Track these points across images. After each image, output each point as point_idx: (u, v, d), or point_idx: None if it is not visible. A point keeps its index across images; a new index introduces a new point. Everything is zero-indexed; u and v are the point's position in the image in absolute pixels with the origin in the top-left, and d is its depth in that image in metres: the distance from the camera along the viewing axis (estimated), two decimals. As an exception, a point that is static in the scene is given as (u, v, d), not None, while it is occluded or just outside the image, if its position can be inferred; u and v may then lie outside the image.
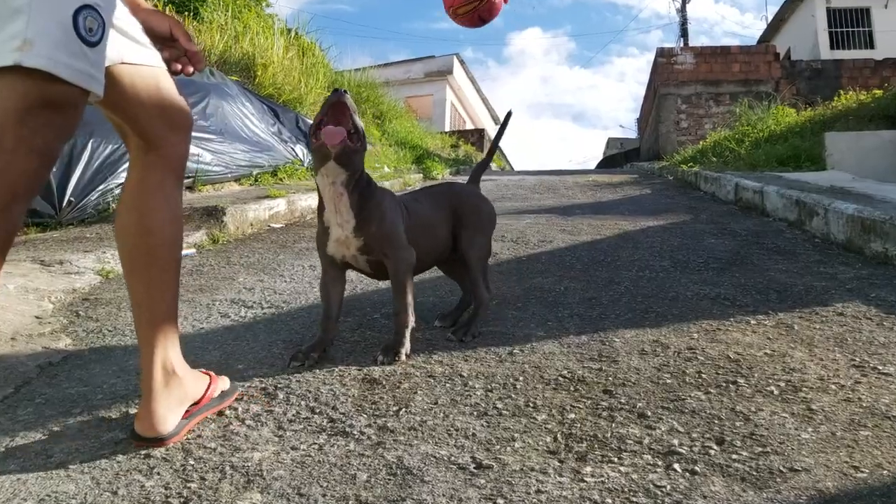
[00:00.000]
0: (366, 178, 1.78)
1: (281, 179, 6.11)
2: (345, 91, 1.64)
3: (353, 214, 1.73)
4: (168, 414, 1.36)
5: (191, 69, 1.40)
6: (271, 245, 3.81)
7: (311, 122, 7.91)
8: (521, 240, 3.93)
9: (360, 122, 1.73)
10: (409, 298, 1.81)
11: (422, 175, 9.55)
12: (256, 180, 5.78)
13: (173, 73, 1.35)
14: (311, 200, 5.17)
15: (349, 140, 1.65)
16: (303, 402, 1.56)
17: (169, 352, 1.37)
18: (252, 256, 3.48)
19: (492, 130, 29.81)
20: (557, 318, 2.25)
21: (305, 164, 6.88)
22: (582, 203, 6.09)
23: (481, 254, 2.08)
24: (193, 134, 5.25)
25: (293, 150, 6.80)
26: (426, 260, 1.97)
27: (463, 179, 11.04)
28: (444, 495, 1.16)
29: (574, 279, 2.88)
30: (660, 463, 1.26)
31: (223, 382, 1.57)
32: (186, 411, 1.41)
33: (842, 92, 10.45)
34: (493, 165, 18.69)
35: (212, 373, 1.56)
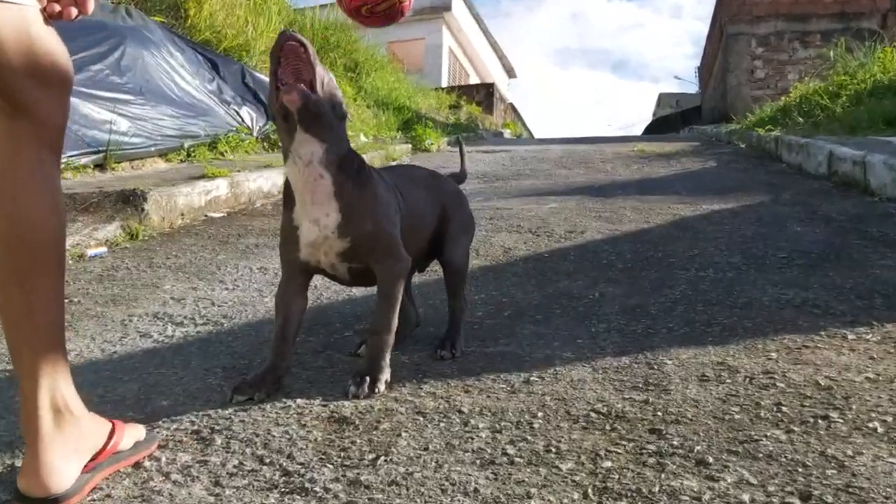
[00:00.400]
0: (357, 161, 1.81)
1: (222, 153, 6.12)
2: (291, 32, 1.65)
3: (338, 208, 1.75)
4: (62, 466, 1.34)
5: (74, 12, 1.32)
6: (208, 241, 3.81)
7: (261, 76, 7.97)
8: (543, 230, 3.93)
9: (327, 72, 1.73)
10: (395, 315, 1.84)
11: (410, 146, 9.57)
12: (189, 155, 5.79)
13: (50, 16, 1.32)
14: (262, 181, 5.18)
15: (312, 91, 1.67)
16: (248, 450, 1.56)
17: (59, 384, 1.36)
18: (182, 256, 3.48)
19: (504, 86, 29.86)
20: (590, 335, 2.26)
21: (255, 133, 6.89)
22: (624, 181, 6.09)
23: (467, 262, 2.25)
24: (105, 94, 5.34)
25: (238, 114, 6.82)
26: (414, 251, 2.02)
27: (466, 149, 10.98)
28: (435, 572, 1.16)
29: (613, 282, 2.88)
30: (725, 526, 1.25)
31: (135, 431, 1.54)
32: (87, 463, 1.41)
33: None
34: (507, 132, 18.75)
35: (116, 420, 1.53)
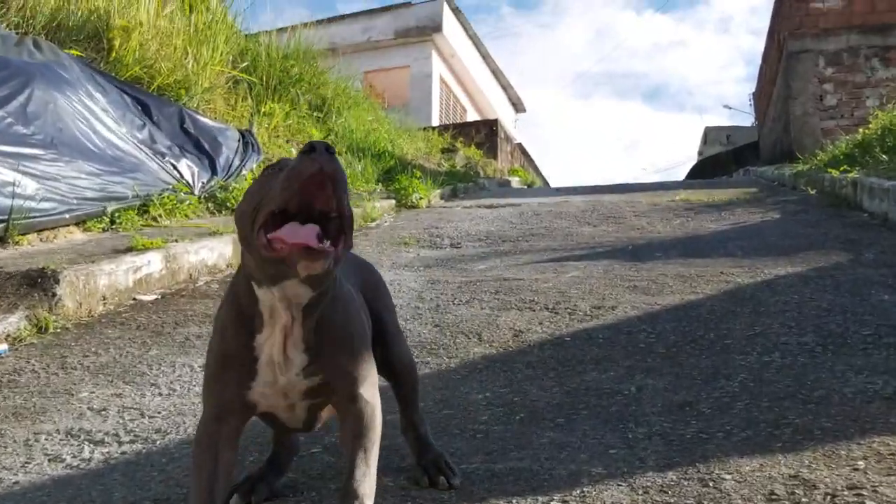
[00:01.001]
0: (340, 285, 1.74)
1: (155, 219, 6.17)
2: (331, 148, 1.50)
3: (304, 348, 1.68)
4: None
5: None
6: (137, 332, 3.81)
7: (205, 120, 8.08)
8: (563, 306, 3.95)
9: (351, 210, 1.59)
10: (374, 472, 1.73)
11: (394, 201, 9.65)
12: (114, 222, 5.83)
13: None
14: (205, 253, 5.21)
15: (337, 251, 1.54)
16: None
17: None
18: (104, 354, 3.47)
19: (510, 122, 30.23)
20: (626, 442, 2.25)
21: (197, 192, 6.96)
22: (664, 239, 6.13)
23: (410, 354, 2.24)
24: (6, 148, 5.41)
25: (175, 168, 6.90)
26: None
27: (464, 203, 11.21)
28: None
29: (653, 372, 2.88)
30: None
31: None
32: None
33: None
34: (515, 180, 18.93)
35: None
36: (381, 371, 2.14)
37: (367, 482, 1.69)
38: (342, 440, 1.75)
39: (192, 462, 1.73)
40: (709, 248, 5.55)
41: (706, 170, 22.13)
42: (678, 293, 4.11)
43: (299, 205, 1.49)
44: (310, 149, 1.47)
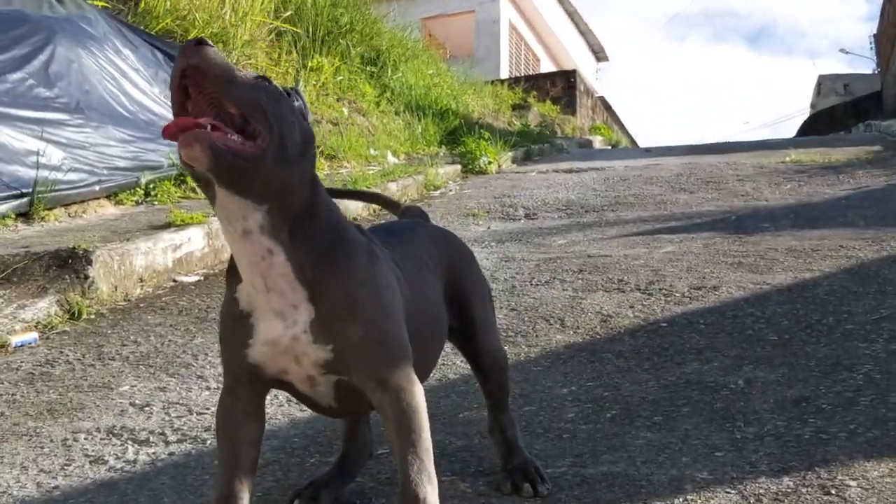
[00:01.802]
0: (329, 219, 1.71)
1: (194, 189, 6.25)
2: (203, 41, 1.56)
3: (306, 296, 1.67)
4: None
5: None
6: (180, 318, 3.89)
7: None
8: (657, 286, 3.94)
9: (265, 81, 1.64)
10: (432, 468, 1.70)
11: (459, 166, 9.66)
12: (149, 194, 5.94)
13: None
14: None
15: (227, 136, 1.54)
16: None
17: None
18: (145, 342, 3.56)
19: (591, 73, 29.97)
20: (734, 443, 2.25)
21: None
22: (773, 208, 6.06)
23: (502, 350, 2.28)
24: (28, 113, 5.55)
25: (214, 131, 6.98)
26: (424, 373, 1.97)
27: (539, 167, 11.12)
28: None
29: (763, 362, 2.87)
30: None
31: None
32: None
33: None
34: (598, 139, 18.81)
35: None
36: (469, 363, 2.20)
37: (425, 481, 1.67)
38: (386, 437, 1.75)
39: (216, 436, 1.82)
40: (825, 218, 5.48)
41: (820, 125, 21.76)
42: (790, 271, 4.07)
43: (203, 102, 1.56)
44: (185, 45, 1.55)
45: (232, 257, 1.72)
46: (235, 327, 1.72)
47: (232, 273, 1.73)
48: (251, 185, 1.58)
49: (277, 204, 1.62)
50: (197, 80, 1.54)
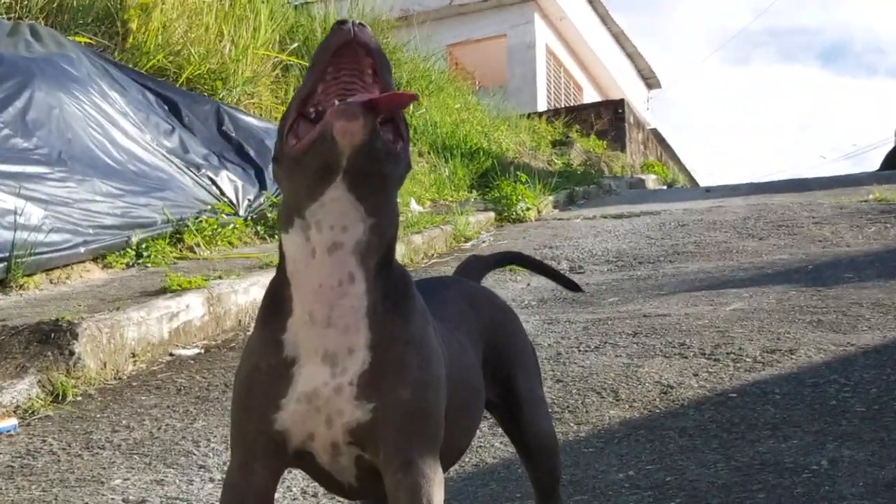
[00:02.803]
0: (400, 269, 1.73)
1: (192, 249, 6.32)
2: (359, 24, 1.57)
3: (368, 341, 1.65)
4: None
5: None
6: (178, 398, 3.91)
7: (249, 119, 8.15)
8: (725, 350, 3.93)
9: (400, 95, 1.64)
10: None
11: (493, 213, 9.68)
12: (140, 255, 5.98)
13: None
14: (256, 291, 5.30)
15: (387, 130, 1.58)
16: None
17: None
18: (138, 428, 3.57)
19: (642, 103, 29.98)
20: (818, 536, 2.23)
21: (242, 212, 7.08)
22: (855, 254, 6.04)
23: (552, 425, 2.24)
24: (3, 168, 5.57)
25: (214, 182, 7.03)
26: (451, 455, 1.97)
27: (584, 212, 11.08)
28: None
29: (850, 439, 2.85)
30: None
31: None
32: None
33: None
34: (651, 178, 18.81)
35: None
36: (513, 445, 2.18)
37: None
38: None
39: None
40: (917, 266, 5.46)
41: (909, 155, 21.63)
42: (878, 329, 4.05)
43: (334, 89, 1.56)
44: (337, 25, 1.54)
45: (271, 295, 1.68)
46: (268, 381, 1.66)
47: (273, 313, 1.67)
48: (377, 188, 1.58)
49: (382, 223, 1.61)
50: (348, 61, 1.56)
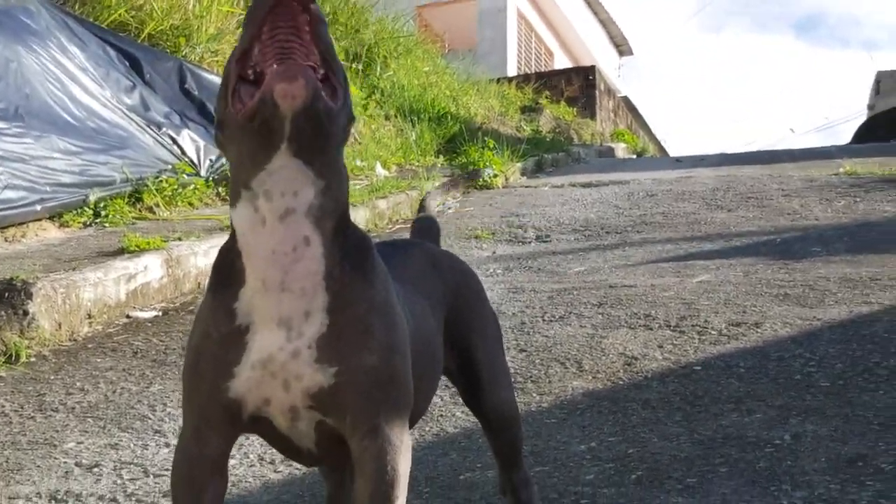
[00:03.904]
0: (358, 231, 1.72)
1: (151, 209, 6.27)
2: None
3: (325, 304, 1.63)
4: None
5: None
6: (134, 361, 3.89)
7: (213, 76, 8.08)
8: (690, 322, 3.94)
9: (341, 64, 1.65)
10: None
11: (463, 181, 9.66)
12: (98, 214, 5.93)
13: None
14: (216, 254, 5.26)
15: (325, 87, 1.56)
16: None
17: None
18: (93, 391, 3.55)
19: (613, 69, 29.98)
20: (779, 511, 2.24)
21: (204, 172, 7.03)
22: (823, 227, 6.08)
23: (514, 394, 2.24)
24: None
25: (175, 142, 6.97)
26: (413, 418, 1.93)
27: (553, 180, 11.05)
28: None
29: (813, 414, 2.86)
30: None
31: None
32: None
33: None
34: (621, 146, 18.84)
35: None
36: (475, 415, 2.17)
37: None
38: (355, 494, 1.69)
39: (173, 494, 1.72)
40: (885, 241, 5.49)
41: (879, 129, 21.69)
42: (845, 303, 4.07)
43: (271, 49, 1.53)
44: None
45: (221, 263, 1.68)
46: (220, 349, 1.65)
47: (224, 282, 1.66)
48: (323, 148, 1.57)
49: (332, 183, 1.60)
50: (284, 19, 1.53)
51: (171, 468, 1.74)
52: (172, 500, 1.72)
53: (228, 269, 1.64)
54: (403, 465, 1.68)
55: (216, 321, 1.66)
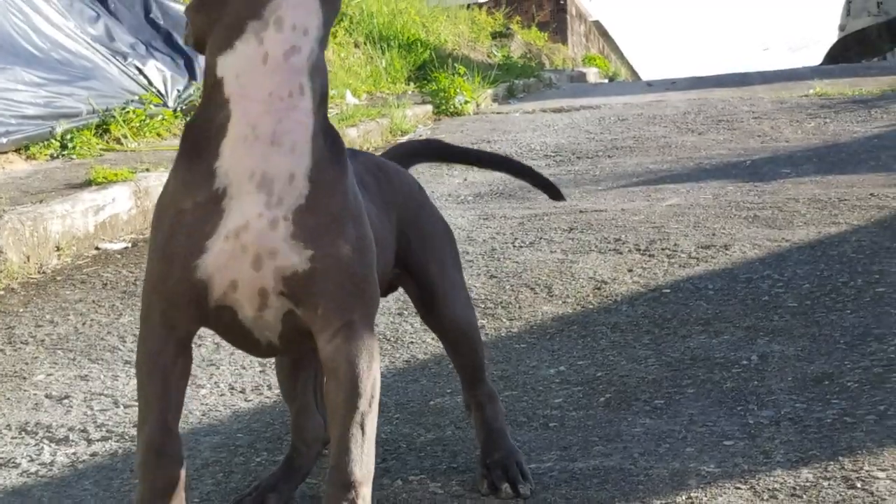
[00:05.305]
0: (333, 130, 1.69)
1: (119, 140, 6.22)
2: None
3: (308, 168, 1.59)
4: None
5: None
6: (104, 293, 3.88)
7: (177, 5, 7.99)
8: (659, 246, 3.95)
9: None
10: (373, 448, 1.68)
11: (431, 107, 9.61)
12: (65, 146, 5.88)
13: None
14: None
15: None
16: None
17: None
18: (63, 323, 3.54)
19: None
20: (745, 430, 2.26)
21: (171, 103, 6.97)
22: (793, 149, 6.08)
23: (472, 309, 2.22)
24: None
25: (141, 72, 6.90)
26: None
27: (524, 106, 11.01)
28: None
29: (781, 334, 2.88)
30: None
31: None
32: None
33: None
34: (592, 71, 18.75)
35: None
36: (434, 333, 2.18)
37: (363, 461, 1.63)
38: (327, 398, 1.67)
39: (139, 381, 1.69)
40: (854, 161, 5.50)
41: (850, 51, 21.69)
42: (813, 224, 4.08)
43: None
44: None
45: (193, 131, 1.62)
46: (193, 221, 1.59)
47: (201, 144, 1.60)
48: None
49: (326, 37, 1.60)
50: None
51: (136, 364, 1.70)
52: (138, 383, 1.70)
53: (205, 128, 1.59)
54: (376, 368, 1.67)
55: (191, 188, 1.60)
